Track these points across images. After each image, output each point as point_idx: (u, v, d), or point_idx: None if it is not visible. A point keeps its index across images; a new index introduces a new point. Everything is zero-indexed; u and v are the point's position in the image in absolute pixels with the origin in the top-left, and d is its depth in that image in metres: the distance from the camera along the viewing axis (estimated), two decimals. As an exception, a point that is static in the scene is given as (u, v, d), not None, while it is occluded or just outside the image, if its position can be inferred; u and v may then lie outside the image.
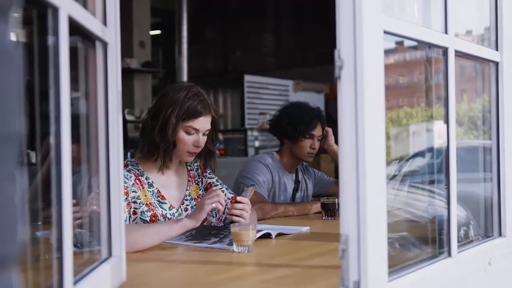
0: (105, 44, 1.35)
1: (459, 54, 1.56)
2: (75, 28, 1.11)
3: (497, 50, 1.79)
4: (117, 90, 1.37)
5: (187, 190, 2.31)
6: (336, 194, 2.88)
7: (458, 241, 1.54)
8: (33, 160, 1.95)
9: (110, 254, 1.36)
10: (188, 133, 2.16)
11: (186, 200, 2.30)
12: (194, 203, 2.30)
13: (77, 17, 1.10)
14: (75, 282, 1.08)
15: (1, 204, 0.54)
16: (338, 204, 2.59)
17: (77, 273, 1.12)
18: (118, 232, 1.38)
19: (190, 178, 2.34)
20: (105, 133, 1.35)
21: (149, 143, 2.18)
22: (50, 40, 1.01)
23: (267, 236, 2.08)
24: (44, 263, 1.31)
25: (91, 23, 1.22)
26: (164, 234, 1.94)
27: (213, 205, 1.95)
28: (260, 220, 2.64)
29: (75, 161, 1.08)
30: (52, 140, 1.00)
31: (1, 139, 0.54)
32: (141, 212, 2.12)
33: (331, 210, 2.60)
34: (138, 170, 2.19)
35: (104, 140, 1.35)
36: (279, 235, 2.15)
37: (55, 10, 0.99)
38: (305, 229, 2.31)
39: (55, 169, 1.00)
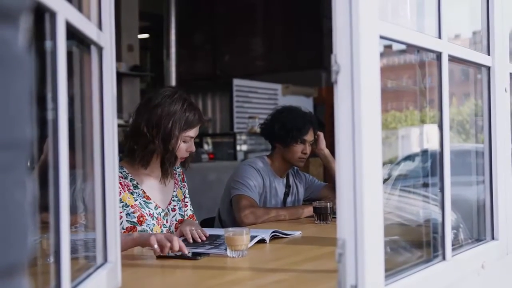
0: (100, 49, 1.34)
1: (452, 59, 1.57)
2: (71, 33, 1.10)
3: (488, 54, 1.81)
4: (112, 94, 1.37)
5: (174, 191, 2.38)
6: (327, 198, 2.89)
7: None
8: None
9: (105, 259, 1.35)
10: (185, 142, 2.26)
11: (174, 200, 2.37)
12: (181, 204, 2.39)
13: (74, 22, 1.09)
14: (72, 288, 1.07)
15: (12, 211, 0.54)
16: (330, 208, 2.60)
17: (72, 279, 1.11)
18: (113, 238, 1.37)
19: (176, 181, 2.42)
20: (100, 138, 1.34)
21: (149, 154, 2.22)
22: (47, 44, 1.01)
23: (260, 240, 2.07)
24: (38, 268, 1.30)
25: (87, 27, 1.22)
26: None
27: (156, 246, 1.80)
28: (252, 224, 2.64)
29: (69, 166, 1.07)
30: (49, 144, 0.99)
31: (12, 146, 0.54)
32: (127, 214, 2.16)
33: (323, 214, 2.60)
34: (121, 173, 2.21)
35: (100, 144, 1.34)
36: (274, 238, 2.15)
37: (53, 14, 0.99)
38: (298, 233, 2.31)
39: (53, 174, 0.99)
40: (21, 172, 0.55)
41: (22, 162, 0.55)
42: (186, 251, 1.83)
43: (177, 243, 1.80)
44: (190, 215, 2.44)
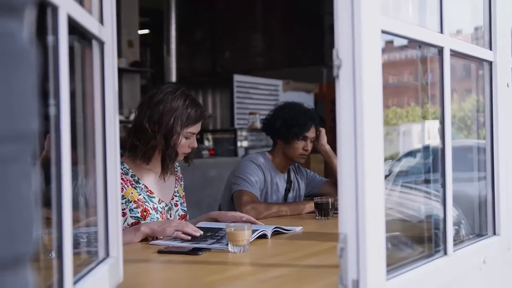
0: (101, 43, 1.34)
1: (453, 54, 1.57)
2: (73, 27, 1.10)
3: (490, 49, 1.80)
4: (113, 90, 1.37)
5: (176, 187, 2.41)
6: (328, 194, 2.89)
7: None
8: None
9: (107, 254, 1.35)
10: (186, 138, 2.27)
11: (176, 196, 2.39)
12: (182, 200, 2.42)
13: (76, 16, 1.09)
14: (75, 282, 1.07)
15: (17, 203, 0.54)
16: (332, 203, 2.60)
17: (75, 273, 1.11)
18: (115, 233, 1.37)
19: (177, 177, 2.45)
20: (102, 133, 1.34)
21: (150, 149, 2.24)
22: (49, 39, 1.00)
23: (262, 236, 2.07)
24: (40, 264, 1.30)
25: (89, 22, 1.21)
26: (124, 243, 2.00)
27: (175, 233, 2.03)
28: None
29: (71, 161, 1.07)
30: (51, 139, 0.99)
31: (17, 138, 0.54)
32: (130, 210, 2.18)
33: (324, 210, 2.60)
34: (122, 169, 2.22)
35: (101, 140, 1.34)
36: (275, 234, 2.15)
37: (55, 9, 0.98)
38: (299, 228, 2.32)
39: (55, 169, 0.99)
40: (26, 164, 0.55)
41: (27, 154, 0.56)
42: (199, 233, 2.03)
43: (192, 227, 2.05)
44: (182, 214, 2.43)
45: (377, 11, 1.21)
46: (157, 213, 2.24)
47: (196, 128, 2.30)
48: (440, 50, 1.52)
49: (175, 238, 2.03)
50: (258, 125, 6.82)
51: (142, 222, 2.17)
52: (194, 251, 1.84)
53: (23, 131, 0.55)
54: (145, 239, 2.04)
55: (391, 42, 1.49)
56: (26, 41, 0.56)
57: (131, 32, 7.66)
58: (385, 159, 2.00)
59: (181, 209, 2.39)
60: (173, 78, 8.39)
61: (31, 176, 0.56)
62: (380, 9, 1.23)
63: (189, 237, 2.00)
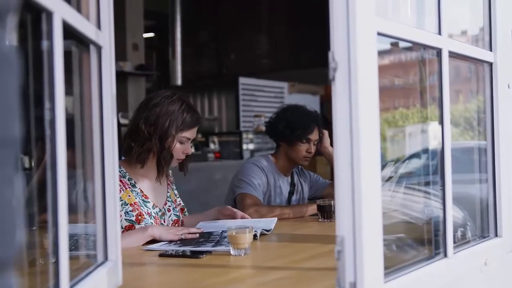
0: (99, 48, 1.34)
1: (453, 55, 1.57)
2: (69, 32, 1.11)
3: (491, 50, 1.80)
4: (111, 94, 1.37)
5: (168, 192, 2.43)
6: (332, 196, 2.88)
7: (455, 242, 1.54)
8: (26, 165, 1.94)
9: (106, 258, 1.35)
10: (181, 142, 2.30)
11: (168, 201, 2.41)
12: (174, 205, 2.44)
13: (71, 21, 1.10)
14: (71, 286, 1.08)
15: (0, 208, 0.54)
16: (334, 206, 2.59)
17: (73, 277, 1.11)
18: (114, 236, 1.37)
19: (169, 182, 2.47)
20: (100, 138, 1.35)
21: (145, 151, 2.25)
22: (44, 44, 1.01)
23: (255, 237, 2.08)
24: (38, 268, 1.30)
25: (85, 27, 1.22)
26: (132, 244, 2.03)
27: (182, 236, 2.11)
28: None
29: (69, 166, 1.07)
30: (47, 144, 0.99)
31: (0, 143, 0.54)
32: (125, 212, 2.20)
33: (327, 212, 2.60)
34: (120, 172, 2.23)
35: (99, 144, 1.34)
36: (262, 234, 2.19)
37: (49, 14, 0.99)
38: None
39: (51, 173, 0.99)
40: (9, 169, 0.56)
41: (11, 159, 0.56)
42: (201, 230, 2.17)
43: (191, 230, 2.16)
44: (175, 220, 2.44)
45: (373, 13, 1.21)
46: (151, 218, 2.25)
47: (191, 133, 2.31)
48: (439, 51, 1.52)
49: (169, 243, 2.04)
50: (263, 127, 6.81)
51: (137, 226, 2.19)
52: (196, 254, 1.84)
53: (6, 137, 0.55)
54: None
55: (396, 44, 1.49)
56: (8, 47, 0.57)
57: (136, 35, 7.66)
58: (391, 161, 2.00)
59: (174, 214, 2.41)
60: (179, 81, 8.40)
61: (14, 182, 0.57)
62: (376, 11, 1.23)
63: (197, 235, 2.12)
